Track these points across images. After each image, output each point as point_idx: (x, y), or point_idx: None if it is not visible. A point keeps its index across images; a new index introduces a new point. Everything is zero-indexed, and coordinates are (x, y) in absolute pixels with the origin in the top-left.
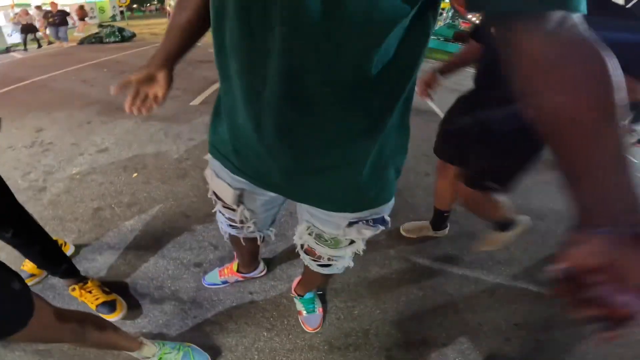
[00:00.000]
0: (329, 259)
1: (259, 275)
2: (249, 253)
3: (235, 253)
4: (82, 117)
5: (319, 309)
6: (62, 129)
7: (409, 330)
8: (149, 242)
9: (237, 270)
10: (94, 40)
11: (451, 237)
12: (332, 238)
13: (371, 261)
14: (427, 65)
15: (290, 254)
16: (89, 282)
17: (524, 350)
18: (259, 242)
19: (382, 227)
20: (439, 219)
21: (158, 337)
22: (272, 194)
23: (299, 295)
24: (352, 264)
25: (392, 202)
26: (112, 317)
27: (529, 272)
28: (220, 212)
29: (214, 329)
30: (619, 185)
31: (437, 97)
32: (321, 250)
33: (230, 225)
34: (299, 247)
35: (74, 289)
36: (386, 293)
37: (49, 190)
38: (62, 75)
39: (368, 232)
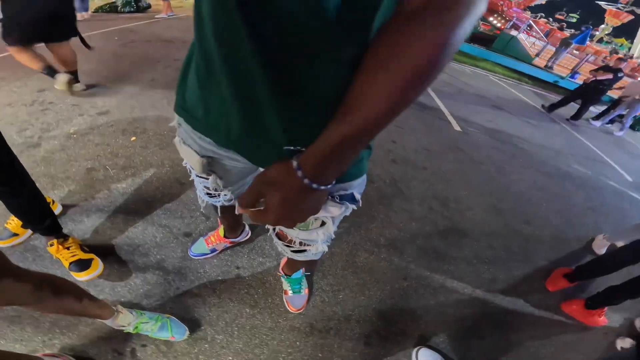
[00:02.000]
0: (301, 244)
1: (245, 238)
2: (232, 219)
3: (219, 219)
4: (86, 80)
5: (304, 290)
6: (65, 90)
7: (390, 320)
8: (140, 206)
9: (224, 236)
10: (109, 9)
11: (442, 232)
12: None
13: (360, 247)
14: None
15: None
16: (70, 239)
17: (496, 348)
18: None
19: (351, 205)
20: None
21: (137, 306)
22: (241, 162)
23: (286, 274)
24: (326, 249)
25: (362, 179)
26: (82, 276)
27: (511, 273)
28: (196, 179)
29: (196, 301)
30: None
31: (443, 95)
32: (292, 233)
33: (208, 194)
34: (271, 231)
35: (52, 245)
36: (372, 280)
37: (43, 147)
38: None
39: (335, 210)
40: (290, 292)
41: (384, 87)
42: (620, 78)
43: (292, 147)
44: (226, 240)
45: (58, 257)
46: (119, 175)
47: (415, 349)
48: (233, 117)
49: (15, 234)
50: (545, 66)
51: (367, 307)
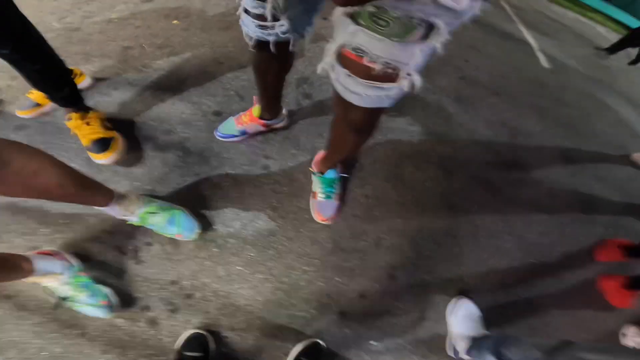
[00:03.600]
0: (383, 71)
1: (280, 124)
2: (273, 84)
3: (256, 94)
4: None
5: (336, 197)
6: None
7: (423, 255)
8: (172, 83)
9: (259, 117)
10: None
11: (501, 165)
12: (396, 17)
13: (408, 159)
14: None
15: (320, 123)
16: (91, 113)
17: (521, 311)
18: (290, 47)
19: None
20: None
21: (148, 192)
22: None
23: (319, 172)
24: (418, 83)
25: None
26: (101, 158)
27: (563, 230)
28: (245, 11)
29: (214, 193)
30: None
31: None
32: (375, 46)
33: (259, 27)
34: (333, 56)
35: (70, 118)
36: (413, 201)
37: (82, 31)
38: None
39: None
40: (320, 196)
41: None
42: None
43: None
44: (259, 121)
45: (76, 133)
46: (155, 53)
47: (456, 299)
48: None
49: (38, 104)
50: None
51: (402, 233)
